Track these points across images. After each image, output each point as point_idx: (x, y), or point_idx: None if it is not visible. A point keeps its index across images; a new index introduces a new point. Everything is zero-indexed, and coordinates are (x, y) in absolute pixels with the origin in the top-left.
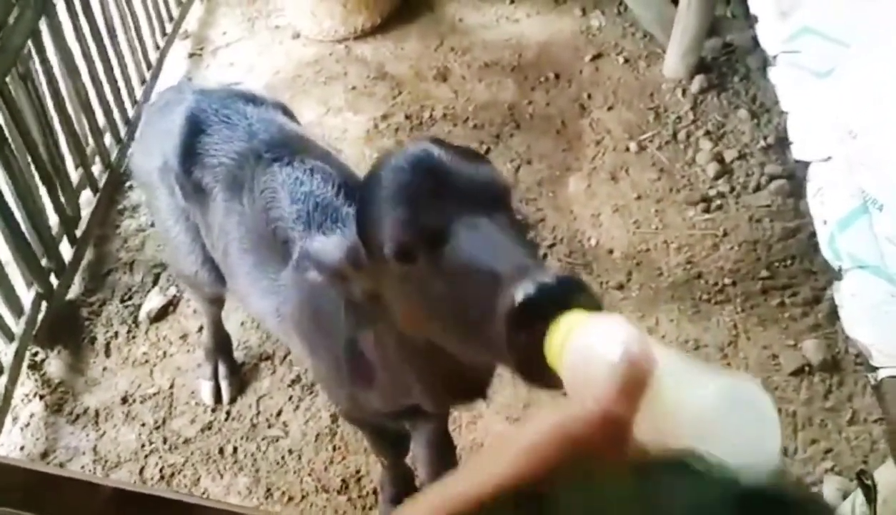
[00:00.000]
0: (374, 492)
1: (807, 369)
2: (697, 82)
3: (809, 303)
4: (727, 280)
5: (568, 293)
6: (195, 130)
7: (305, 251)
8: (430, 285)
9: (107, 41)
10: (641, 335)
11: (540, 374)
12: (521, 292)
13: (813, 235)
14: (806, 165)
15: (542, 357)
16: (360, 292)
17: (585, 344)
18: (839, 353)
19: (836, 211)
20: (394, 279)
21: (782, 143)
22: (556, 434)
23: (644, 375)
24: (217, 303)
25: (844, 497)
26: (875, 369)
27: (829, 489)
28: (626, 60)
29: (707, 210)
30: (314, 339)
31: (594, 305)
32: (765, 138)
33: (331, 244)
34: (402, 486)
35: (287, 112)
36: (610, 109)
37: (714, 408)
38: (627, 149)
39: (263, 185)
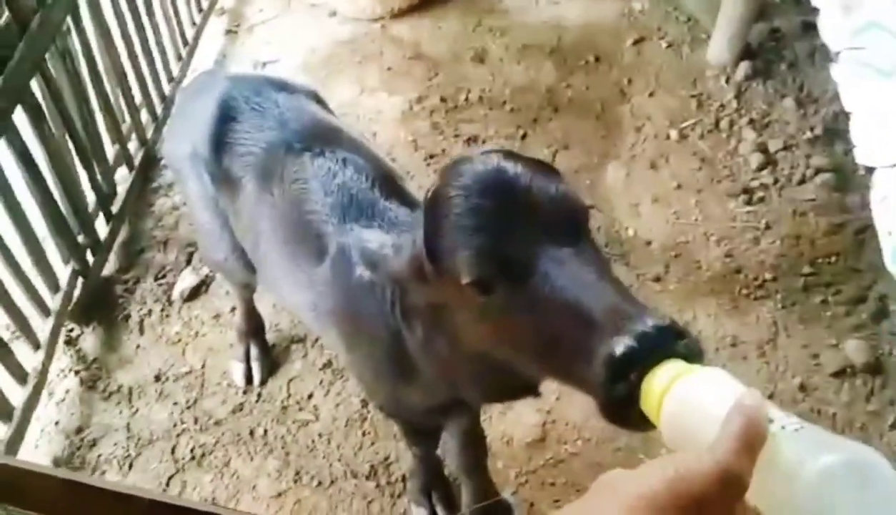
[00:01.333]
0: (403, 479)
1: (849, 370)
2: (742, 69)
3: (853, 302)
4: (768, 275)
5: (668, 342)
6: (226, 117)
7: (360, 249)
8: (510, 317)
9: (144, 17)
10: (754, 390)
11: (632, 421)
12: (622, 343)
13: (859, 231)
14: (870, 170)
15: (636, 406)
16: (420, 301)
17: (690, 396)
18: (883, 354)
19: None
20: (466, 303)
21: (829, 134)
22: (674, 487)
23: (761, 430)
24: (248, 288)
25: None
26: None
27: None
28: (669, 45)
29: (749, 202)
30: (354, 337)
31: (696, 352)
32: (811, 129)
33: (386, 245)
34: (432, 476)
35: (319, 100)
36: (651, 95)
37: (835, 479)
38: (668, 137)
39: (294, 176)
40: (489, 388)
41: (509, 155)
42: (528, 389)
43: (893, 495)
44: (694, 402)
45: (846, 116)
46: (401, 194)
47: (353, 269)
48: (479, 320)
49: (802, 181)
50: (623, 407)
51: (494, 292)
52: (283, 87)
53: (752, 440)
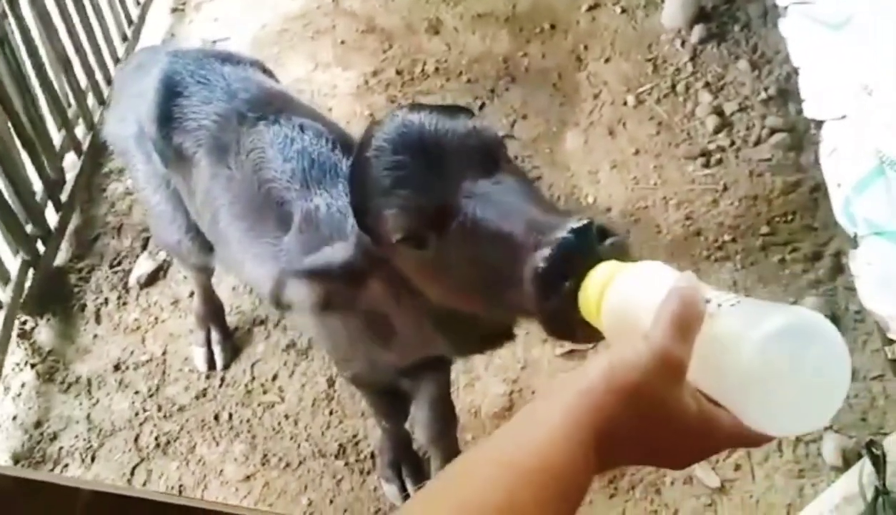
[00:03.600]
0: (372, 456)
1: None
2: (697, 32)
3: (810, 259)
4: (727, 237)
5: (590, 243)
6: (171, 93)
7: (301, 271)
8: (447, 263)
9: None
10: (689, 273)
11: (574, 330)
12: (541, 255)
13: (814, 189)
14: (819, 123)
15: (577, 313)
16: (379, 286)
17: (627, 290)
18: (839, 309)
19: (852, 173)
20: (408, 263)
21: (783, 95)
22: (611, 379)
23: (697, 310)
24: (205, 270)
25: (843, 454)
26: (892, 342)
27: (829, 447)
28: (624, 10)
29: (707, 165)
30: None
31: (623, 249)
32: (765, 90)
33: (329, 252)
34: (401, 450)
35: (265, 70)
36: (607, 61)
37: (777, 343)
38: (625, 102)
39: (251, 145)
40: (461, 338)
41: (415, 107)
42: (504, 333)
43: (836, 350)
44: (631, 297)
45: (798, 76)
46: None
47: (320, 233)
48: (421, 273)
49: (758, 142)
50: (563, 321)
51: (428, 242)
52: (226, 58)
53: (687, 321)
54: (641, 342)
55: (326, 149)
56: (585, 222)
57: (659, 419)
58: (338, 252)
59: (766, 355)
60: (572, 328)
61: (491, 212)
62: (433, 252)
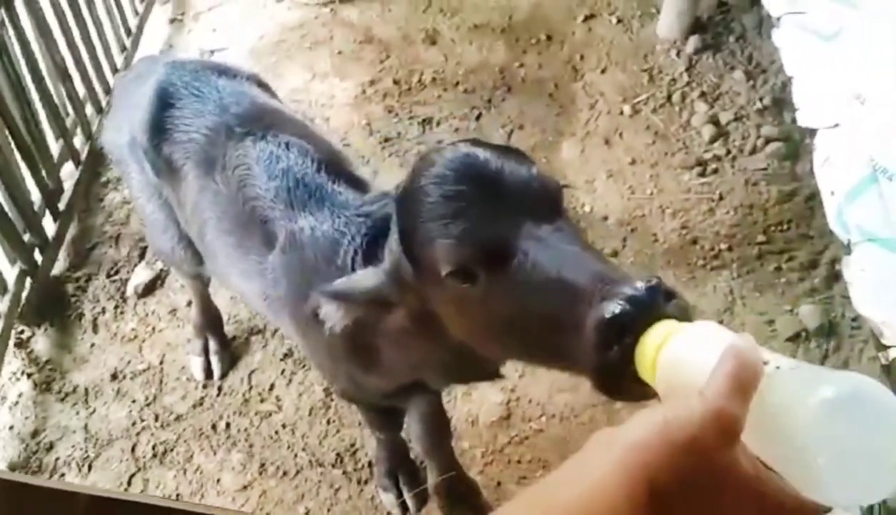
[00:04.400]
0: (369, 465)
1: (803, 334)
2: (692, 43)
3: (806, 268)
4: (723, 245)
5: (657, 301)
6: (164, 104)
7: (329, 292)
8: (496, 303)
9: (84, 8)
10: (747, 335)
11: (626, 387)
12: (610, 307)
13: (809, 198)
14: (812, 132)
15: (632, 371)
16: (404, 318)
17: (683, 348)
18: (835, 317)
19: (845, 181)
20: (450, 298)
21: (778, 105)
22: (665, 434)
23: (754, 370)
24: (202, 279)
25: None
26: (886, 348)
27: None
28: (620, 21)
29: (703, 174)
30: (309, 324)
31: (684, 311)
32: (760, 100)
33: (360, 275)
34: (397, 460)
35: (262, 84)
36: (603, 71)
37: (834, 410)
38: (621, 112)
39: (237, 161)
40: (451, 370)
41: (477, 142)
42: (491, 371)
43: (891, 417)
44: (688, 355)
45: (792, 85)
46: (349, 177)
47: (304, 255)
48: (462, 312)
49: (753, 151)
50: (618, 374)
51: (477, 279)
52: (223, 71)
53: (744, 381)
54: (697, 399)
55: (311, 169)
56: (655, 281)
57: (712, 478)
58: (369, 277)
59: (821, 423)
60: (623, 383)
61: (554, 257)
62: (481, 290)
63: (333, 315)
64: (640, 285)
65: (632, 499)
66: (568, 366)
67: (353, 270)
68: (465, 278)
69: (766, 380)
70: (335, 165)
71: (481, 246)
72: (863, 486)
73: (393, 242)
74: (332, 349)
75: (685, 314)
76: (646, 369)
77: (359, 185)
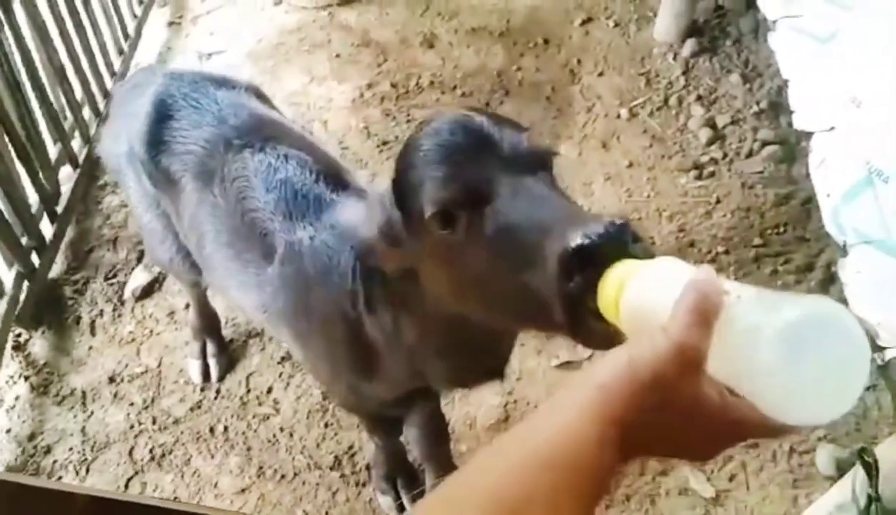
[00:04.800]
0: (367, 468)
1: None
2: (689, 46)
3: (802, 270)
4: (720, 248)
5: (621, 240)
6: (162, 115)
7: (336, 221)
8: (473, 249)
9: (81, 11)
10: (706, 266)
11: (591, 327)
12: (573, 238)
13: (806, 201)
14: (808, 135)
15: (595, 309)
16: (393, 270)
17: (645, 286)
18: None
19: (840, 184)
20: (433, 248)
21: (775, 108)
22: (630, 371)
23: (715, 301)
24: (199, 285)
25: (838, 465)
26: (882, 349)
27: (823, 457)
28: (617, 24)
29: (699, 177)
30: (309, 334)
31: (649, 255)
32: (757, 103)
33: (360, 219)
34: (396, 463)
35: (260, 95)
36: (600, 74)
37: (796, 333)
38: (618, 115)
39: (235, 173)
40: (456, 368)
41: (477, 110)
42: (494, 370)
43: (854, 339)
44: (650, 292)
45: (788, 88)
46: (347, 186)
47: (303, 266)
48: (442, 262)
49: (750, 154)
50: (579, 305)
51: (457, 221)
52: (222, 82)
53: (705, 312)
54: (660, 335)
55: (310, 180)
56: (623, 221)
57: (680, 410)
58: (368, 221)
59: (783, 344)
60: (585, 317)
61: (528, 202)
62: (460, 235)
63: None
64: (608, 220)
65: (602, 439)
66: (540, 312)
67: (354, 279)
68: (446, 223)
69: (729, 309)
70: (334, 176)
71: (462, 187)
72: (825, 404)
73: (385, 196)
74: (333, 359)
75: (650, 255)
76: (609, 308)
77: (358, 195)
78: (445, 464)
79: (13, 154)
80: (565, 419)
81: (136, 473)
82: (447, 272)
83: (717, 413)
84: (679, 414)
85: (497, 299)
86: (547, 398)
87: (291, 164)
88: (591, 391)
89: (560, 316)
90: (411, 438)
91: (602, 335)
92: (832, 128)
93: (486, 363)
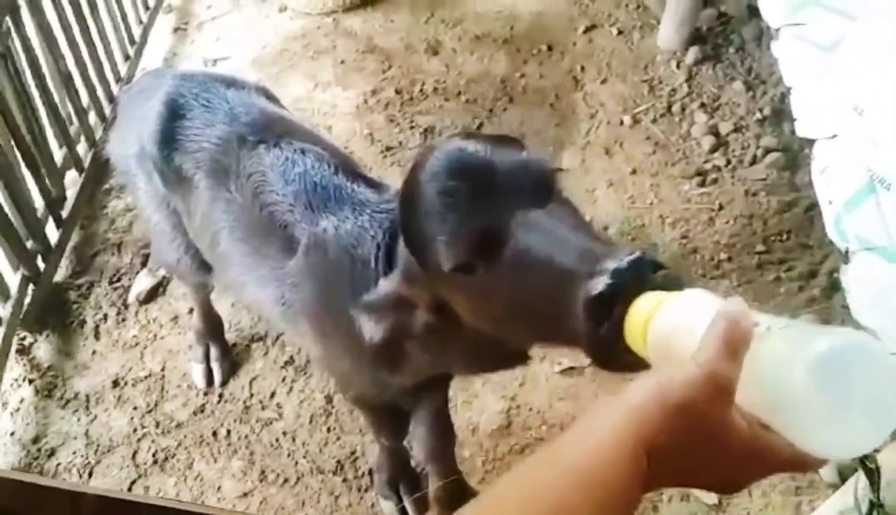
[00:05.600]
0: (370, 473)
1: None
2: (692, 54)
3: (805, 277)
4: (723, 255)
5: (643, 273)
6: (174, 115)
7: (365, 305)
8: (495, 289)
9: (88, 17)
10: (737, 298)
11: (619, 358)
12: (597, 283)
13: (809, 208)
14: (810, 142)
15: (623, 342)
16: (425, 314)
17: (673, 317)
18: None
19: (843, 191)
20: (456, 289)
21: (778, 115)
22: (659, 397)
23: (745, 332)
24: (205, 288)
25: (840, 471)
26: None
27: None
28: (620, 32)
29: (702, 184)
30: (330, 326)
31: (673, 281)
32: (760, 111)
33: (382, 284)
34: (399, 467)
35: (269, 96)
36: (604, 81)
37: (826, 366)
38: (622, 122)
39: (251, 169)
40: (482, 359)
41: (469, 136)
42: (520, 356)
43: (886, 370)
44: (678, 323)
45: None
46: (365, 178)
47: (328, 255)
48: (470, 300)
49: (753, 162)
50: (610, 348)
51: (476, 270)
52: (231, 83)
53: (735, 342)
54: (690, 363)
55: (329, 172)
56: (639, 253)
57: (708, 438)
58: (388, 283)
59: (814, 375)
60: (616, 356)
61: (543, 240)
62: (482, 278)
63: (371, 328)
64: (624, 258)
65: (632, 461)
66: (569, 345)
67: (377, 266)
68: (467, 270)
69: (758, 340)
70: (351, 168)
71: (476, 240)
72: (855, 437)
73: (401, 242)
74: (356, 350)
75: (676, 284)
76: (636, 340)
77: (376, 185)
78: (449, 466)
79: (19, 158)
80: (598, 439)
81: (140, 476)
82: (474, 308)
83: (745, 443)
84: (708, 442)
85: (525, 331)
86: (549, 404)
87: (309, 157)
88: (623, 415)
89: (590, 355)
90: (417, 437)
91: (630, 365)
92: (834, 135)
93: (508, 347)
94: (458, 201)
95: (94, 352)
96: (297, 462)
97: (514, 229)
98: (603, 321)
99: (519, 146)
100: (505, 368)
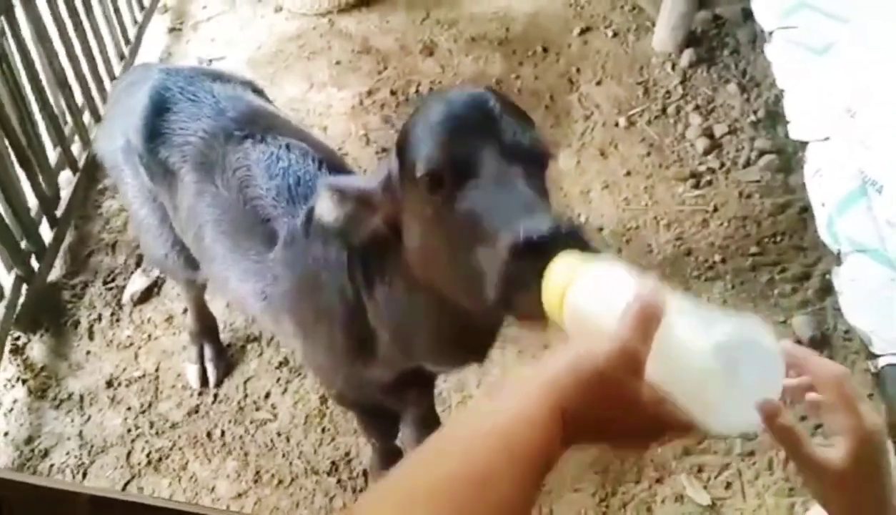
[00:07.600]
0: (364, 474)
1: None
2: (687, 56)
3: (799, 279)
4: (717, 257)
5: (572, 240)
6: (160, 108)
7: (332, 185)
8: (446, 218)
9: (83, 17)
10: (651, 277)
11: (533, 314)
12: (527, 229)
13: (802, 210)
14: (803, 144)
15: (537, 297)
16: (379, 222)
17: (590, 292)
18: (828, 329)
19: (835, 193)
20: (417, 208)
21: (772, 117)
22: (575, 367)
23: (657, 312)
24: (197, 286)
25: None
26: (875, 356)
27: None
28: (615, 34)
29: (697, 186)
30: (309, 319)
31: (591, 250)
32: (754, 113)
33: (355, 178)
34: (392, 467)
35: (256, 90)
36: (599, 83)
37: (720, 349)
38: (617, 124)
39: (237, 163)
40: (441, 343)
41: (497, 93)
42: (479, 349)
43: (771, 360)
44: (595, 296)
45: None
46: (349, 174)
47: (306, 248)
48: (423, 228)
49: (747, 164)
50: (526, 299)
51: (442, 187)
52: (217, 76)
53: (647, 321)
54: (606, 338)
55: (313, 167)
56: (578, 227)
57: (619, 405)
58: (366, 180)
59: (712, 359)
60: (534, 312)
61: (505, 189)
62: (438, 206)
63: (328, 207)
64: (565, 221)
65: (551, 421)
66: (487, 291)
67: (355, 260)
68: (434, 186)
69: (668, 321)
70: (336, 165)
71: (453, 155)
72: (743, 416)
73: (391, 164)
74: (332, 343)
75: (592, 251)
76: (552, 302)
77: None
78: None
79: (13, 158)
80: (519, 406)
81: (133, 477)
82: (421, 236)
83: (649, 409)
84: (619, 408)
85: (454, 269)
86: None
87: (294, 153)
88: (544, 381)
89: (497, 292)
90: (407, 439)
91: (541, 326)
92: (827, 138)
93: (469, 343)
94: (456, 125)
95: (88, 352)
96: (291, 463)
97: (487, 170)
98: (520, 264)
99: (530, 122)
100: (464, 362)
